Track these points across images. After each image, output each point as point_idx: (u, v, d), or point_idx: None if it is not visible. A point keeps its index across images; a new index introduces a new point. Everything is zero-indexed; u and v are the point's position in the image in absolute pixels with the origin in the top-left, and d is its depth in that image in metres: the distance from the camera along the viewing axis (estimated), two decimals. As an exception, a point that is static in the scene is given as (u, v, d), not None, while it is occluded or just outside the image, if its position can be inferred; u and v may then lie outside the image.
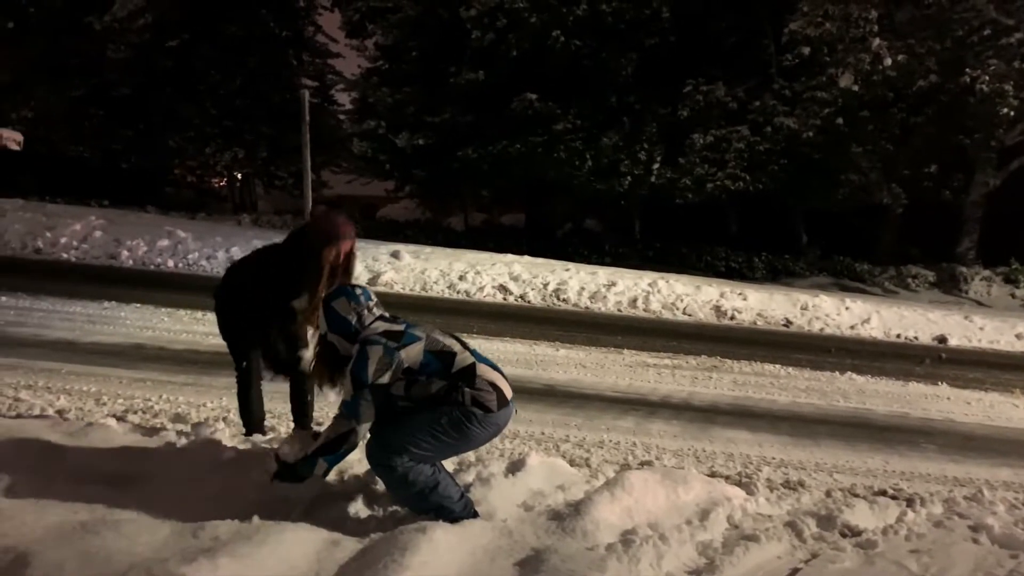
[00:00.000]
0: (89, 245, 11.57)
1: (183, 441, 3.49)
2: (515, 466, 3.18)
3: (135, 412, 4.25)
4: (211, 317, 3.79)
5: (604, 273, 11.69)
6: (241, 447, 3.48)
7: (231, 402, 4.54)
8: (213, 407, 4.51)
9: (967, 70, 13.47)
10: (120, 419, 3.94)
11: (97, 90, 21.37)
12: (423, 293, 10.60)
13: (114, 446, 3.29)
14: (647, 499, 2.96)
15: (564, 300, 10.68)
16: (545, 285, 10.96)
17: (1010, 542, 3.13)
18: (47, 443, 3.21)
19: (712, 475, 3.89)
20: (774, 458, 4.54)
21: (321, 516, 2.76)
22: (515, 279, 11.14)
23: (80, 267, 10.76)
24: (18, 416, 3.70)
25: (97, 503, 2.64)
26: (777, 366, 7.27)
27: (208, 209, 22.22)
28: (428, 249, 12.82)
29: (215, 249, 11.59)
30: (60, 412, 4.07)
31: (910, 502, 3.71)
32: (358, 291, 2.81)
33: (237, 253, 10.27)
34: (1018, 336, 10.19)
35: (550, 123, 16.55)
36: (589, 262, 12.76)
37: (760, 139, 15.47)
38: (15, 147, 23.64)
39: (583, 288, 10.96)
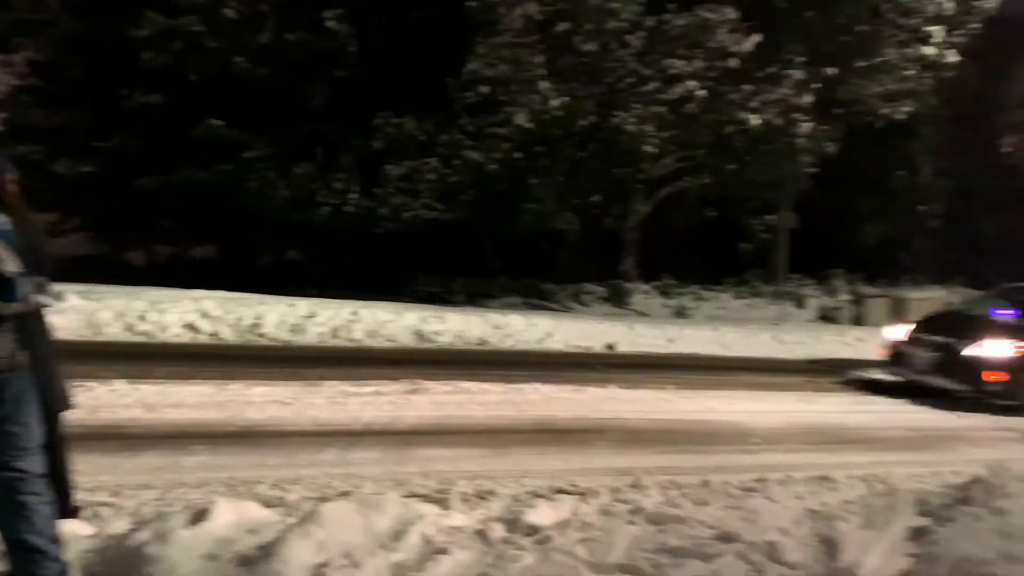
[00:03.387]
0: None
1: None
2: (198, 516, 2.98)
3: None
4: None
5: (305, 304, 11.43)
6: None
7: None
8: None
9: (617, 112, 15.51)
10: None
11: None
12: (94, 338, 9.44)
13: None
14: (342, 530, 2.96)
15: (262, 335, 10.24)
16: (240, 320, 10.42)
17: (659, 519, 3.65)
18: None
19: (410, 496, 3.99)
20: (469, 471, 4.79)
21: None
22: (206, 316, 10.42)
23: None
24: None
25: None
26: (474, 383, 7.66)
27: None
28: (102, 288, 11.48)
29: None
30: None
31: (583, 496, 4.16)
32: None
33: None
34: (669, 340, 11.90)
35: (239, 151, 15.84)
36: (292, 294, 12.38)
37: (450, 171, 16.30)
38: None
39: (283, 321, 10.60)
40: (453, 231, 17.75)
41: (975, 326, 8.45)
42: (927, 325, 9.11)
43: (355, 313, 11.22)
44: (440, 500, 3.85)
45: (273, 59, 15.74)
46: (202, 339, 9.91)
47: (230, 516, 3.06)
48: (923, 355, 8.49)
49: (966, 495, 3.97)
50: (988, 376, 7.85)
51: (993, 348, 7.94)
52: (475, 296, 17.28)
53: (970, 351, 8.02)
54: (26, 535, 2.47)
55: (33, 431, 2.53)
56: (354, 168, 16.57)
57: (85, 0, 17.07)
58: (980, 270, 18.91)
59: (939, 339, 8.44)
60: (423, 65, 15.91)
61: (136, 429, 5.31)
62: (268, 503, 3.72)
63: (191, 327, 10.09)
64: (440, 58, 15.37)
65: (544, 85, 15.05)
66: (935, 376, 8.31)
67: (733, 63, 15.21)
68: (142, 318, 9.99)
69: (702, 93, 15.15)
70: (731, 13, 14.94)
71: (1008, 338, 7.97)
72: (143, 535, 2.82)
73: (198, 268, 18.72)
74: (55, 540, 2.55)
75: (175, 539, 2.76)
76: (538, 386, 7.68)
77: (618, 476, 4.81)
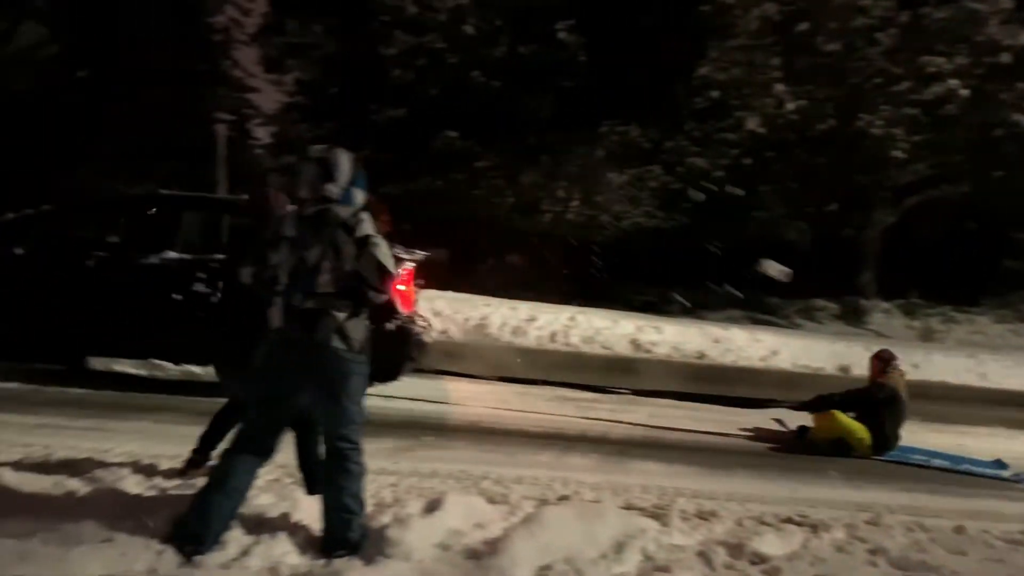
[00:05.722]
0: None
1: (86, 489, 3.34)
2: (432, 506, 3.17)
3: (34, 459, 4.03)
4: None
5: (525, 308, 11.80)
6: (148, 494, 3.36)
7: (139, 447, 4.38)
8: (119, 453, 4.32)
9: (861, 115, 14.35)
10: (17, 467, 3.73)
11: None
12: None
13: (11, 496, 3.12)
14: (564, 535, 3.00)
15: (486, 335, 10.71)
16: (467, 320, 10.98)
17: (906, 563, 3.31)
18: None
19: (629, 508, 3.96)
20: (689, 489, 4.65)
21: (234, 564, 2.70)
22: (438, 314, 11.09)
23: None
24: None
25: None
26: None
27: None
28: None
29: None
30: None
31: (814, 528, 3.88)
32: None
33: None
34: (914, 365, 10.75)
35: (471, 160, 16.74)
36: (512, 297, 12.85)
37: (673, 178, 16.03)
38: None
39: (505, 323, 11.02)
40: (673, 239, 17.44)
41: None
42: None
43: (572, 319, 11.37)
44: (660, 516, 3.77)
45: (506, 72, 16.43)
46: (433, 335, 10.57)
47: (460, 509, 3.22)
48: None
49: None
50: None
51: None
52: (693, 307, 16.82)
53: None
54: (347, 499, 2.89)
55: (363, 408, 2.97)
56: (577, 176, 16.84)
57: (344, 23, 18.96)
58: None
59: None
60: (650, 72, 15.80)
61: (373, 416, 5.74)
62: (492, 499, 3.86)
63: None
64: (668, 64, 15.18)
65: (779, 88, 14.31)
66: None
67: (1005, 58, 13.48)
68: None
69: (965, 92, 13.58)
70: (1005, 3, 13.25)
71: None
72: (384, 518, 3.04)
73: (429, 269, 19.99)
74: (363, 505, 2.97)
75: (412, 525, 2.95)
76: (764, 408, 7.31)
77: (854, 511, 4.44)
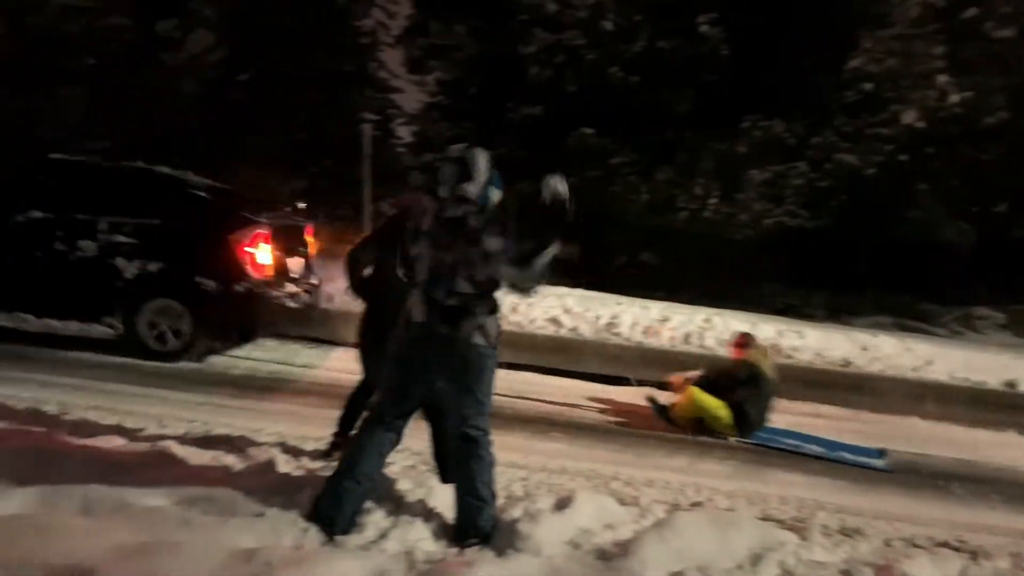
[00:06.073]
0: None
1: (239, 465, 3.59)
2: (563, 503, 3.17)
3: (195, 435, 4.38)
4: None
5: (657, 308, 11.60)
6: (294, 473, 3.57)
7: (286, 428, 4.66)
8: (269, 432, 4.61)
9: (1037, 107, 13.11)
10: (181, 442, 4.06)
11: (168, 123, 22.29)
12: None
13: (176, 468, 3.40)
14: (697, 542, 2.92)
15: (616, 334, 10.61)
16: (597, 318, 10.92)
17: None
18: (116, 462, 3.34)
19: (766, 519, 3.80)
20: (831, 503, 4.42)
21: (372, 546, 2.81)
22: (568, 312, 11.11)
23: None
24: (89, 435, 3.84)
25: (158, 525, 2.74)
26: (836, 407, 7.09)
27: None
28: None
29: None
30: (126, 432, 4.22)
31: (974, 555, 3.58)
32: None
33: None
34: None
35: (606, 157, 16.63)
36: (643, 296, 12.65)
37: (820, 175, 15.24)
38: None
39: (636, 322, 10.87)
40: (816, 240, 16.57)
41: None
42: None
43: (708, 320, 11.04)
44: (799, 529, 3.59)
45: (644, 67, 16.19)
46: (563, 333, 10.59)
47: (590, 508, 3.20)
48: None
49: None
50: None
51: None
52: (837, 312, 15.92)
53: None
54: (479, 487, 2.96)
55: (492, 398, 3.04)
56: (715, 173, 16.36)
57: (484, 23, 19.33)
58: None
59: None
60: (796, 65, 15.08)
61: (505, 412, 5.82)
62: (623, 500, 3.82)
63: (554, 321, 10.84)
64: (816, 56, 14.44)
65: (942, 79, 13.29)
66: None
67: None
68: (514, 310, 11.00)
69: None
70: None
71: None
72: (515, 512, 3.07)
73: (560, 265, 20.04)
74: (494, 496, 3.02)
75: (543, 521, 2.96)
76: (916, 420, 6.83)
77: (1019, 538, 4.06)
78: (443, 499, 3.16)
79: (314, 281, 7.40)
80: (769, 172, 15.54)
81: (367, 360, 3.85)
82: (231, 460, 3.67)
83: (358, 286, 3.85)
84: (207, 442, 4.02)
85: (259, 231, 6.34)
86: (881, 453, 5.70)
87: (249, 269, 6.25)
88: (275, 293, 6.50)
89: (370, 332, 3.80)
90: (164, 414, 4.77)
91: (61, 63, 19.18)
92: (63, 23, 18.62)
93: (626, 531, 3.07)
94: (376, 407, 3.12)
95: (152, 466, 3.40)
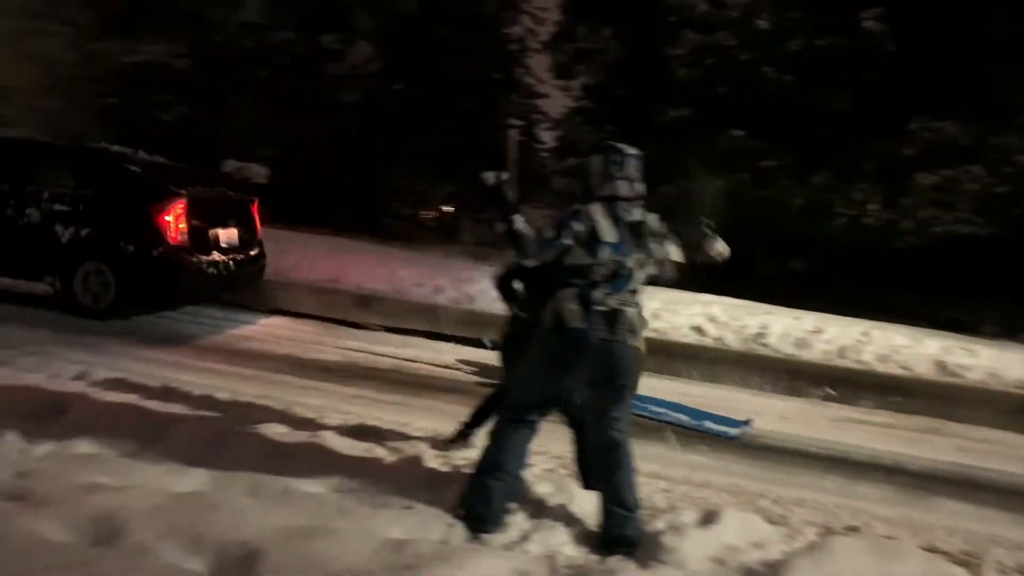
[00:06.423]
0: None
1: (392, 458, 3.76)
2: (708, 518, 3.09)
3: (351, 427, 4.62)
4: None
5: (810, 319, 11.03)
6: (442, 468, 3.69)
7: (433, 423, 4.82)
8: (419, 426, 4.78)
9: None
10: (338, 433, 4.29)
11: (330, 131, 23.67)
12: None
13: (332, 458, 3.61)
14: (853, 568, 2.76)
15: (765, 345, 10.20)
16: (744, 328, 10.54)
17: None
18: (281, 450, 3.59)
19: (932, 551, 3.53)
20: (1008, 539, 4.03)
21: (515, 547, 2.86)
22: (713, 320, 10.81)
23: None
24: (255, 423, 4.15)
25: (318, 510, 2.92)
26: (1012, 433, 6.46)
27: (418, 240, 23.75)
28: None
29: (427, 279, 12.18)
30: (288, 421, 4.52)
31: None
32: None
33: (445, 284, 10.88)
34: None
35: (757, 159, 16.03)
36: (794, 306, 12.08)
37: (997, 180, 13.96)
38: (262, 181, 26.70)
39: (787, 333, 10.40)
40: (991, 249, 15.18)
41: None
42: None
43: (866, 333, 10.40)
44: (970, 564, 3.31)
45: (801, 66, 15.48)
46: (707, 342, 10.30)
47: (736, 524, 3.10)
48: None
49: None
50: None
51: None
52: (1015, 328, 14.51)
53: None
54: (625, 494, 2.94)
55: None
56: (877, 177, 15.36)
57: (631, 26, 19.18)
58: None
59: None
60: (970, 61, 13.89)
61: (640, 420, 5.73)
62: (771, 519, 3.66)
63: (698, 330, 10.57)
64: (993, 51, 13.23)
65: None
66: None
67: None
68: (656, 316, 10.82)
69: None
70: None
71: None
72: (658, 523, 3.03)
73: (702, 272, 19.51)
74: (639, 505, 3.00)
75: (687, 535, 2.90)
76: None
77: None
78: (584, 505, 3.17)
79: (253, 252, 8.14)
80: (939, 176, 14.41)
81: (506, 359, 3.86)
82: (382, 452, 3.85)
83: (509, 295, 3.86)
84: (360, 433, 4.24)
85: (177, 202, 6.89)
86: (746, 423, 5.68)
87: (167, 236, 6.82)
88: (193, 260, 7.01)
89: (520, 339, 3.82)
90: (323, 405, 5.06)
91: (237, 76, 20.86)
92: (240, 39, 20.25)
93: (775, 551, 2.95)
94: (517, 406, 3.10)
95: (310, 455, 3.63)
